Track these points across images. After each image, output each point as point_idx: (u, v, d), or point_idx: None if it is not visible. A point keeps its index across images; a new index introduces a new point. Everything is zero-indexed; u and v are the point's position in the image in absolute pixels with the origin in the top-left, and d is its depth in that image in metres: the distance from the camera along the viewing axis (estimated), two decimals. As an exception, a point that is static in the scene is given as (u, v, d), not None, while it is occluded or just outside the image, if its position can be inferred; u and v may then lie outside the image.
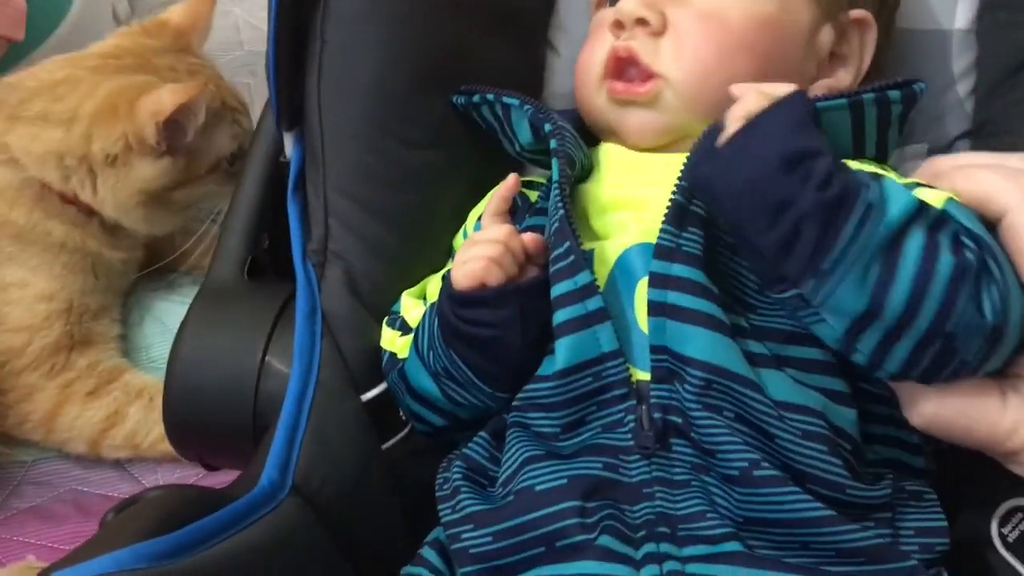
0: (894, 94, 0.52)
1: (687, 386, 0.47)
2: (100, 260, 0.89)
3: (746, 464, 0.45)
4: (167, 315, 0.93)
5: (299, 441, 0.56)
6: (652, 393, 0.48)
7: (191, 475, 0.84)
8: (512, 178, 0.57)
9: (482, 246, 0.52)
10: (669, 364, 0.48)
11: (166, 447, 0.84)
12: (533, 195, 0.61)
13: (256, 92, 1.04)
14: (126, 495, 0.84)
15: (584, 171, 0.58)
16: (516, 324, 0.51)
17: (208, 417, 0.64)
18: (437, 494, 0.54)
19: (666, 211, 0.49)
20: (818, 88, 0.58)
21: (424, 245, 0.63)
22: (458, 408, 0.56)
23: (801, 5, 0.57)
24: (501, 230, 0.53)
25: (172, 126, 0.81)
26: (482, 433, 0.55)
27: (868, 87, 0.52)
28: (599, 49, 0.58)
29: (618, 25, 0.57)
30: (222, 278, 0.70)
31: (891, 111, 0.53)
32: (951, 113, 0.66)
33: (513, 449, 0.51)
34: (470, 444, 0.55)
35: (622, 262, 0.51)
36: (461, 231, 0.62)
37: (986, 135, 0.64)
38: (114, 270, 0.91)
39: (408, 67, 0.62)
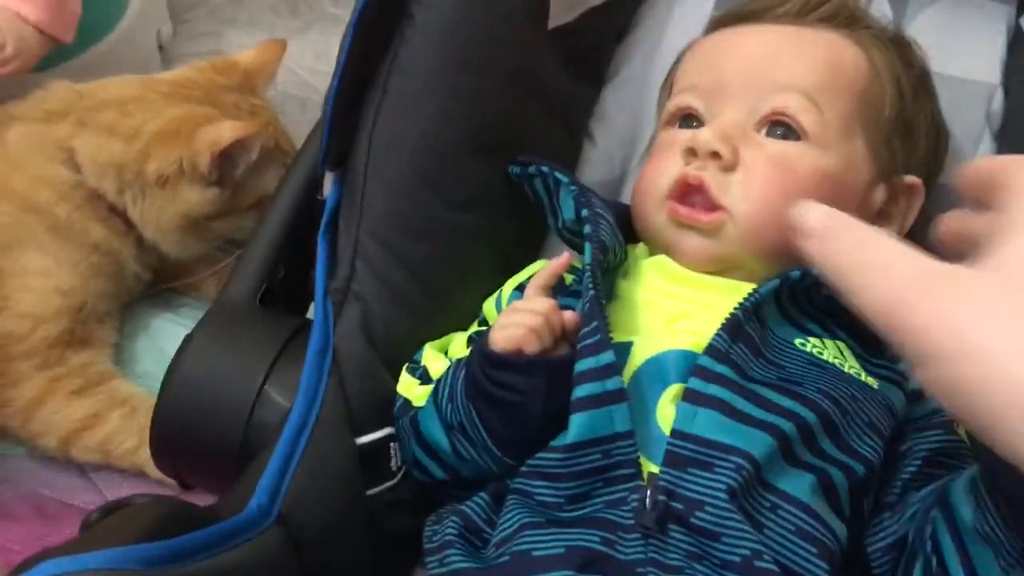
0: None
1: (709, 474, 0.49)
2: (123, 270, 0.91)
3: (749, 553, 0.47)
4: (160, 333, 0.94)
5: (291, 472, 0.57)
6: (661, 477, 0.50)
7: (157, 494, 0.83)
8: (566, 256, 0.59)
9: (525, 314, 0.54)
10: (690, 451, 0.50)
11: (136, 459, 0.84)
12: (568, 278, 0.63)
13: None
14: (88, 505, 0.84)
15: (617, 261, 0.61)
16: (541, 395, 0.52)
17: (196, 433, 0.64)
18: (425, 546, 0.54)
19: (724, 321, 0.53)
20: None
21: (446, 302, 0.65)
22: (462, 464, 0.57)
23: (863, 164, 0.61)
24: (545, 303, 0.55)
25: (226, 158, 0.86)
26: (482, 494, 0.55)
27: None
28: (667, 169, 0.60)
29: (691, 152, 0.59)
30: (235, 300, 0.71)
31: None
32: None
33: (512, 513, 0.52)
34: (468, 503, 0.56)
35: (656, 363, 0.54)
36: (495, 297, 0.64)
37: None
38: (128, 281, 0.92)
39: (461, 130, 0.64)
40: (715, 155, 0.58)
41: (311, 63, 1.23)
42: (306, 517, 0.56)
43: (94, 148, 0.87)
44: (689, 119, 0.63)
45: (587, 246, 0.57)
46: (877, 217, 0.62)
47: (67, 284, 0.86)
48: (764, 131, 0.60)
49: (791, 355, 0.56)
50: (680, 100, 0.63)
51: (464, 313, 0.65)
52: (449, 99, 0.63)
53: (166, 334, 0.93)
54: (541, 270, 0.59)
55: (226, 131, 0.84)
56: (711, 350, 0.53)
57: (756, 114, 0.60)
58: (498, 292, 0.64)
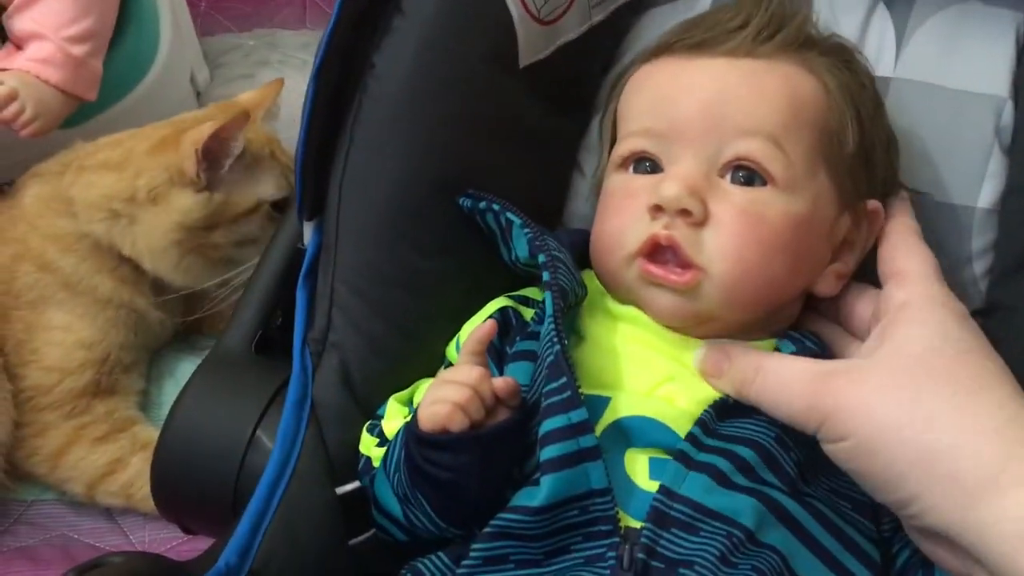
0: None
1: (695, 537, 0.49)
2: (144, 318, 0.93)
3: None
4: (187, 376, 0.94)
5: (264, 528, 0.58)
6: (643, 533, 0.49)
7: (178, 536, 0.85)
8: (490, 323, 0.57)
9: (451, 388, 0.52)
10: (677, 512, 0.50)
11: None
12: (528, 312, 0.61)
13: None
14: (113, 547, 0.87)
15: (578, 299, 0.59)
16: (475, 470, 0.52)
17: (192, 481, 0.65)
18: None
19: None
20: (829, 275, 0.59)
21: (421, 348, 0.64)
22: (417, 529, 0.57)
23: (828, 199, 0.58)
24: (472, 372, 0.53)
25: (210, 158, 0.86)
26: (441, 554, 0.55)
27: None
28: (630, 225, 0.57)
29: (657, 208, 0.56)
30: (230, 348, 0.73)
31: None
32: (965, 290, 0.65)
33: None
34: (426, 561, 0.55)
35: (630, 424, 0.53)
36: (454, 341, 0.63)
37: (996, 318, 0.63)
38: (153, 329, 0.95)
39: (430, 179, 0.63)
40: (684, 211, 0.55)
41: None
42: (279, 572, 0.57)
43: (85, 187, 0.89)
44: (643, 161, 0.59)
45: (547, 295, 0.55)
46: (840, 247, 0.60)
47: (89, 338, 0.89)
48: (728, 177, 0.56)
49: None
50: (632, 144, 0.59)
51: (439, 358, 0.64)
52: (414, 149, 0.62)
53: (192, 376, 0.94)
54: (469, 336, 0.57)
55: (206, 127, 0.85)
56: (701, 423, 0.52)
57: (718, 160, 0.56)
58: (456, 337, 0.63)
